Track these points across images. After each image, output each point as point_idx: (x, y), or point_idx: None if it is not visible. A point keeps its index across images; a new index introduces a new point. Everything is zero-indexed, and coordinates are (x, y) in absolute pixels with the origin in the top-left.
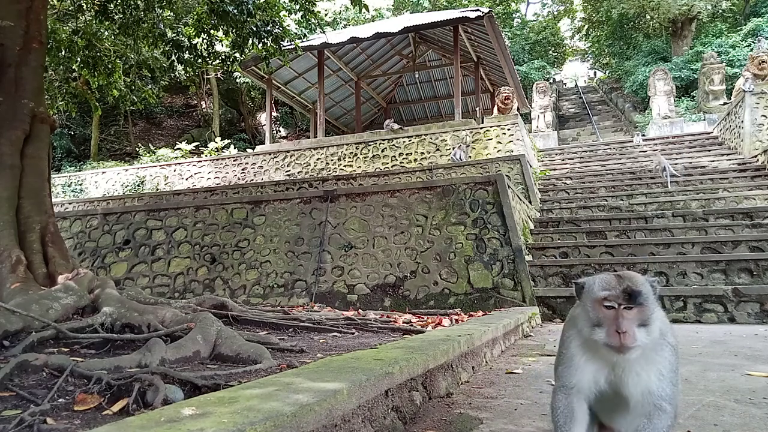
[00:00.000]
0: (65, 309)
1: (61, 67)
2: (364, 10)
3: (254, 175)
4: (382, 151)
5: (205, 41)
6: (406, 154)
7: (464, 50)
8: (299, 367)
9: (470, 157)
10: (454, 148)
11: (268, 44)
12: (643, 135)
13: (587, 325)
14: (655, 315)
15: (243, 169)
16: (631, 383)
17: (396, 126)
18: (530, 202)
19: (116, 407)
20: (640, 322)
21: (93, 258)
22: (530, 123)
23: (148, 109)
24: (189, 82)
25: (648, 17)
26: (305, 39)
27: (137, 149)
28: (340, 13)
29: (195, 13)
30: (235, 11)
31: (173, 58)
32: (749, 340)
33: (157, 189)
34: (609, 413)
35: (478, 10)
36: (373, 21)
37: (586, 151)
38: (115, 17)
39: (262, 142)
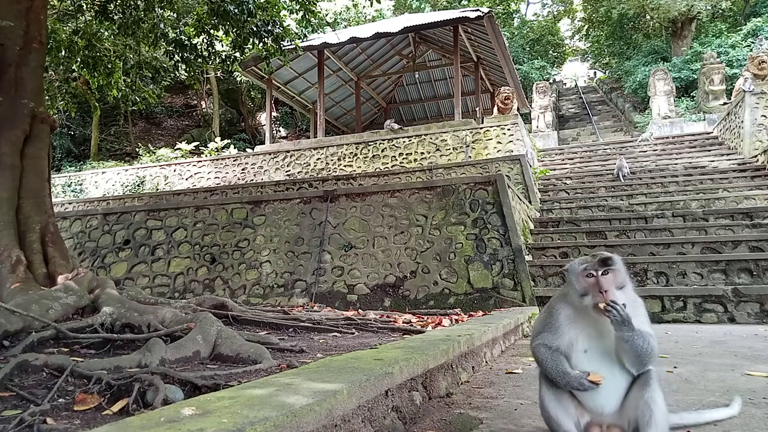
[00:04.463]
0: (65, 309)
1: (61, 67)
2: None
3: (254, 175)
4: (382, 151)
5: (205, 41)
6: (406, 154)
7: (464, 50)
8: (299, 367)
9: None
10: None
11: (269, 44)
12: (651, 134)
13: (576, 296)
14: (627, 279)
15: (243, 169)
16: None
17: (396, 126)
18: (530, 202)
19: (116, 407)
20: (617, 285)
21: (93, 258)
22: (530, 123)
23: (148, 109)
24: (191, 81)
25: (648, 17)
26: (305, 39)
27: (137, 149)
28: (340, 13)
29: (195, 12)
30: (236, 11)
31: (176, 58)
32: (749, 340)
33: (157, 189)
34: (594, 396)
35: (478, 10)
36: (373, 21)
37: (586, 151)
38: (115, 17)
39: (262, 142)
